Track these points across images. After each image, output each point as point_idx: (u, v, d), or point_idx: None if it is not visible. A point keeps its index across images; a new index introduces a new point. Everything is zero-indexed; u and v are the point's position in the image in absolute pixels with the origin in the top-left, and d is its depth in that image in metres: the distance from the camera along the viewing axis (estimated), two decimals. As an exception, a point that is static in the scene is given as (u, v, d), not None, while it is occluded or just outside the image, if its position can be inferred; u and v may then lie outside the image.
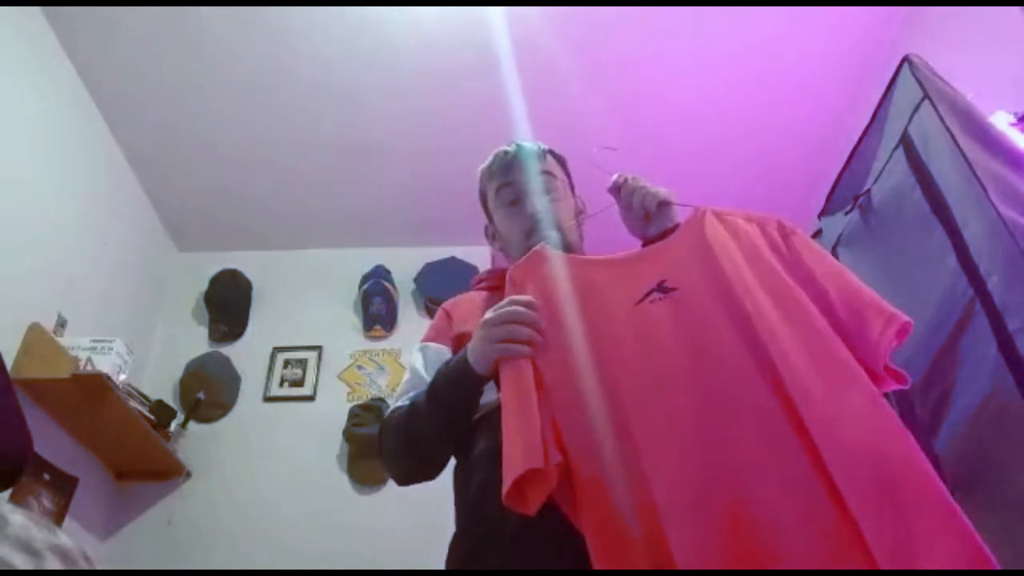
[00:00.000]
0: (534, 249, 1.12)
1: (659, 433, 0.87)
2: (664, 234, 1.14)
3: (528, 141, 1.32)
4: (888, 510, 0.77)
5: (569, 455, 0.87)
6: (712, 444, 0.86)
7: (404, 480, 1.18)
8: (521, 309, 0.98)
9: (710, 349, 0.93)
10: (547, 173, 1.29)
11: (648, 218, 1.19)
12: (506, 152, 1.31)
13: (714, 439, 0.86)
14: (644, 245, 1.19)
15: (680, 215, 1.18)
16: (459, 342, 1.15)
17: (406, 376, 1.23)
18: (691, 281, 1.01)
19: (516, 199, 1.27)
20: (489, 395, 1.05)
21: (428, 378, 1.13)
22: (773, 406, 0.86)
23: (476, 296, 1.28)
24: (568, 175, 1.37)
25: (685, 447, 0.86)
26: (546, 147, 1.34)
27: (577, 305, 1.01)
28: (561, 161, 1.36)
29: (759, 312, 0.93)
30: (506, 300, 1.01)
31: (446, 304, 1.29)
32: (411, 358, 1.24)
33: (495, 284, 1.25)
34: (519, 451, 0.85)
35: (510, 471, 0.84)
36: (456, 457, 1.15)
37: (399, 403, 1.17)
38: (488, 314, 1.01)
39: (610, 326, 0.98)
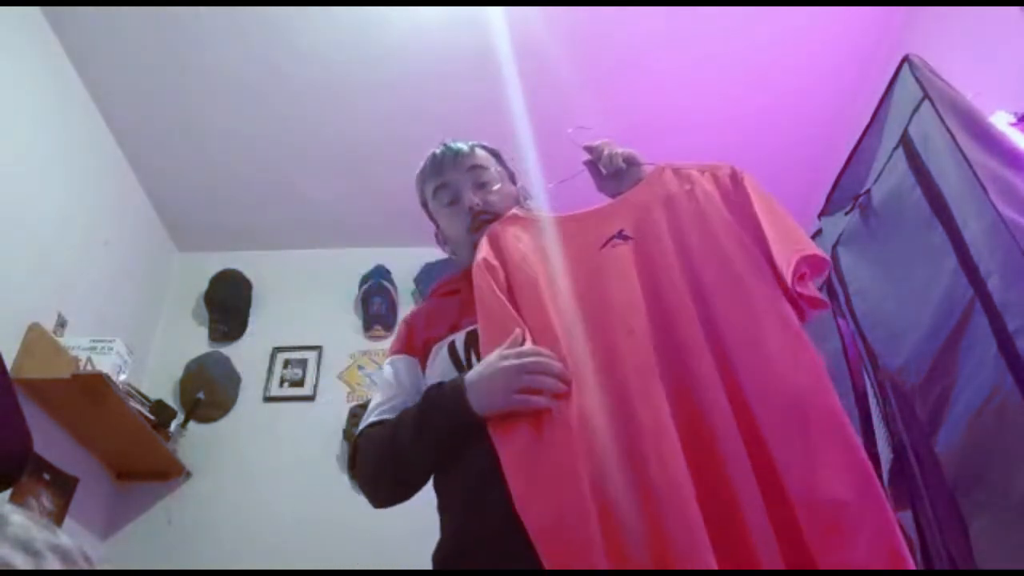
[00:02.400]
0: (511, 211, 1.22)
1: (606, 364, 0.98)
2: (629, 188, 1.23)
3: (459, 141, 1.33)
4: (797, 443, 0.89)
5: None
6: (661, 379, 0.96)
7: (382, 503, 1.13)
8: (549, 361, 0.95)
9: (658, 291, 1.05)
10: (479, 167, 1.30)
11: (618, 178, 1.26)
12: (434, 154, 1.32)
13: (663, 374, 0.96)
14: None
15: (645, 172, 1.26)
16: (427, 347, 1.18)
17: (377, 391, 1.20)
18: (646, 229, 1.13)
19: (454, 198, 1.28)
20: None
21: (401, 390, 1.15)
22: (705, 350, 0.98)
23: (436, 303, 1.29)
24: (504, 165, 1.37)
25: (638, 378, 0.96)
26: (475, 142, 1.35)
27: (547, 253, 1.13)
28: (494, 153, 1.37)
29: (702, 258, 1.06)
30: (530, 349, 0.97)
31: (405, 317, 1.31)
32: (381, 373, 1.23)
33: (453, 288, 1.27)
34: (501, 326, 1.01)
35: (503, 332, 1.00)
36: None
37: (374, 419, 1.14)
38: (508, 355, 0.97)
39: (575, 268, 1.10)
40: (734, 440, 0.90)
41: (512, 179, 1.37)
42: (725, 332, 0.99)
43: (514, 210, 1.23)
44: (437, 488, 1.11)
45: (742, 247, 1.06)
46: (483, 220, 1.24)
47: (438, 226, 1.35)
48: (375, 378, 2.74)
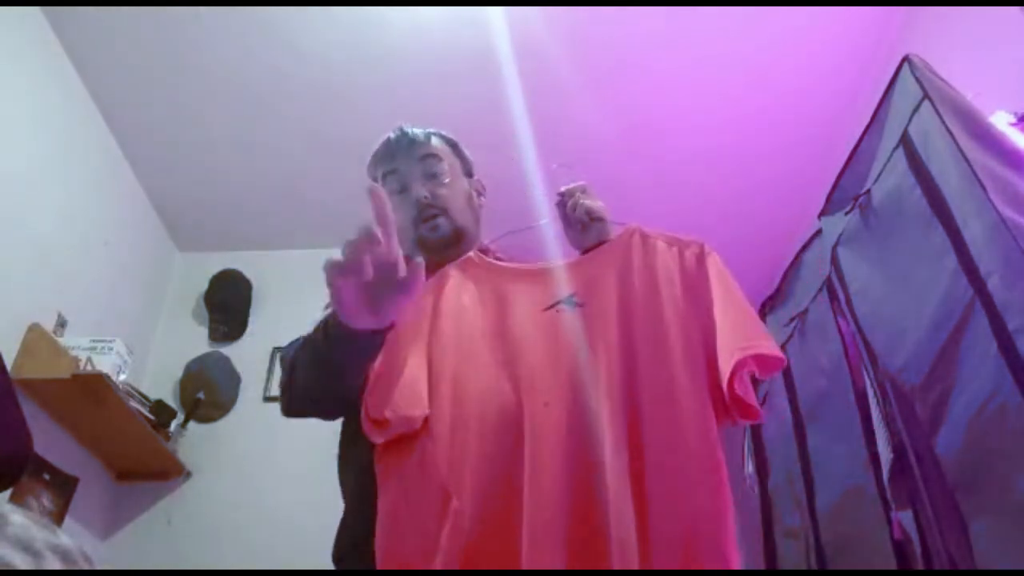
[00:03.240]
0: (444, 270, 1.10)
1: (510, 432, 0.92)
2: (593, 248, 1.15)
3: (415, 127, 1.29)
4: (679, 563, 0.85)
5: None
6: (565, 459, 0.90)
7: (309, 395, 1.08)
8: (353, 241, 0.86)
9: (591, 369, 0.97)
10: (432, 156, 1.26)
11: (584, 231, 1.18)
12: (389, 139, 1.28)
13: (568, 455, 0.90)
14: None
15: (614, 231, 1.17)
16: None
17: None
18: (595, 301, 1.05)
19: (402, 186, 1.24)
20: None
21: None
22: (622, 448, 0.91)
23: None
24: (461, 158, 1.33)
25: (541, 453, 0.89)
26: (433, 130, 1.31)
27: (487, 308, 1.05)
28: (451, 143, 1.33)
29: (643, 345, 0.99)
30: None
31: None
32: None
33: None
34: (410, 392, 0.92)
35: (393, 402, 0.91)
36: (341, 447, 1.17)
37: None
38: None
39: (511, 329, 1.02)
40: (622, 554, 0.83)
41: (468, 172, 1.34)
42: (645, 434, 0.93)
43: (471, 255, 1.14)
44: (339, 478, 1.12)
45: (687, 343, 0.98)
46: (430, 214, 1.21)
47: None
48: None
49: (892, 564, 1.50)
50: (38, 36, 2.33)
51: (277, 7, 2.31)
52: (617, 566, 0.82)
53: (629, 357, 0.98)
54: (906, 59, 1.52)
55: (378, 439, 0.93)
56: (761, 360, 0.96)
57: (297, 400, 1.11)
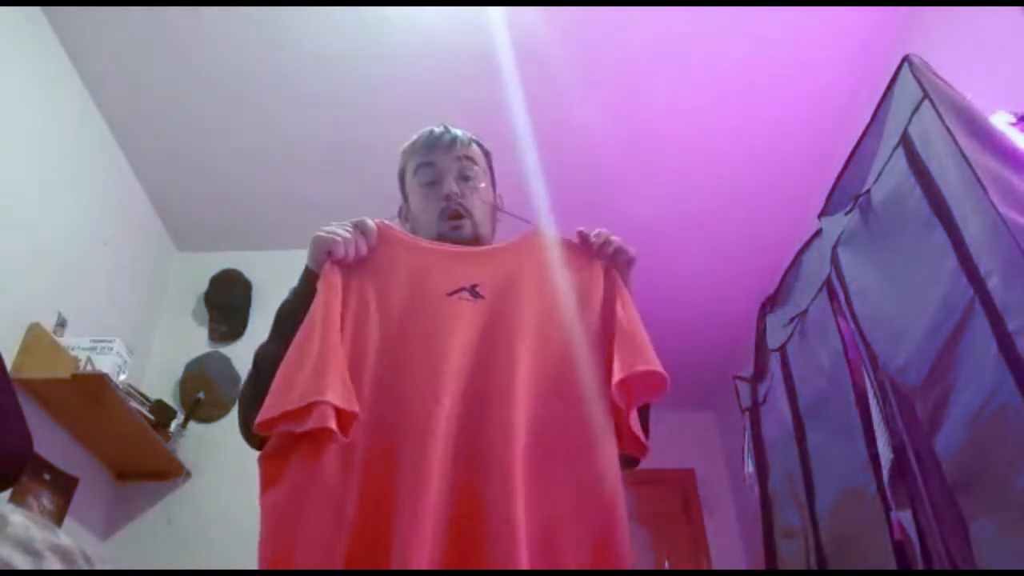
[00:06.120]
0: (379, 222, 1.15)
1: (399, 423, 0.92)
2: (496, 246, 1.20)
3: (457, 128, 1.31)
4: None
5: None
6: (454, 457, 0.90)
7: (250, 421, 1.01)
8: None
9: (488, 367, 0.98)
10: (469, 159, 1.28)
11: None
12: (431, 132, 1.30)
13: (457, 452, 0.90)
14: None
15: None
16: None
17: None
18: (502, 295, 1.06)
19: (434, 180, 1.26)
20: None
21: None
22: (515, 456, 0.90)
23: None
24: (491, 170, 1.35)
25: (430, 447, 0.89)
26: (474, 136, 1.33)
27: (393, 283, 1.07)
28: (486, 153, 1.35)
29: (551, 353, 1.00)
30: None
31: None
32: None
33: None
34: (332, 381, 0.89)
35: (314, 393, 0.87)
36: None
37: None
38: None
39: (414, 310, 1.03)
40: (504, 554, 0.83)
41: (495, 186, 1.36)
42: (538, 436, 0.93)
43: (388, 221, 1.17)
44: None
45: (589, 350, 1.01)
46: (456, 213, 1.22)
47: (406, 200, 1.33)
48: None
49: (892, 564, 1.50)
50: (38, 36, 2.33)
51: (277, 7, 2.31)
52: (494, 547, 0.83)
53: (535, 369, 0.98)
54: (906, 59, 1.52)
55: (283, 429, 0.89)
56: (644, 378, 0.99)
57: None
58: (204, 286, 3.05)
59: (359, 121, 2.70)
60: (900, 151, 1.51)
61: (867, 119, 1.68)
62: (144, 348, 2.83)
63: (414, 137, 1.31)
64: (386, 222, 1.17)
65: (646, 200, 2.81)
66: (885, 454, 1.56)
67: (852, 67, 2.50)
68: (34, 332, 2.14)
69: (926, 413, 1.37)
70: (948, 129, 1.33)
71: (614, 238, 1.16)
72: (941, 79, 1.45)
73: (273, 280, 3.12)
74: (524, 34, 2.34)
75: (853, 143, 1.75)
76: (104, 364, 2.19)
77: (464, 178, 1.26)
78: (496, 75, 2.38)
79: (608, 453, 0.94)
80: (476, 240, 1.23)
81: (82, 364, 2.17)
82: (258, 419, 0.88)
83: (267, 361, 1.00)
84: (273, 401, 0.88)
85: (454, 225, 1.22)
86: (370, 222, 1.12)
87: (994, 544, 1.19)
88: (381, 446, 0.91)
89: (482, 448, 0.91)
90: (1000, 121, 1.44)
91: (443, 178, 1.25)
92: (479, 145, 1.33)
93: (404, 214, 1.34)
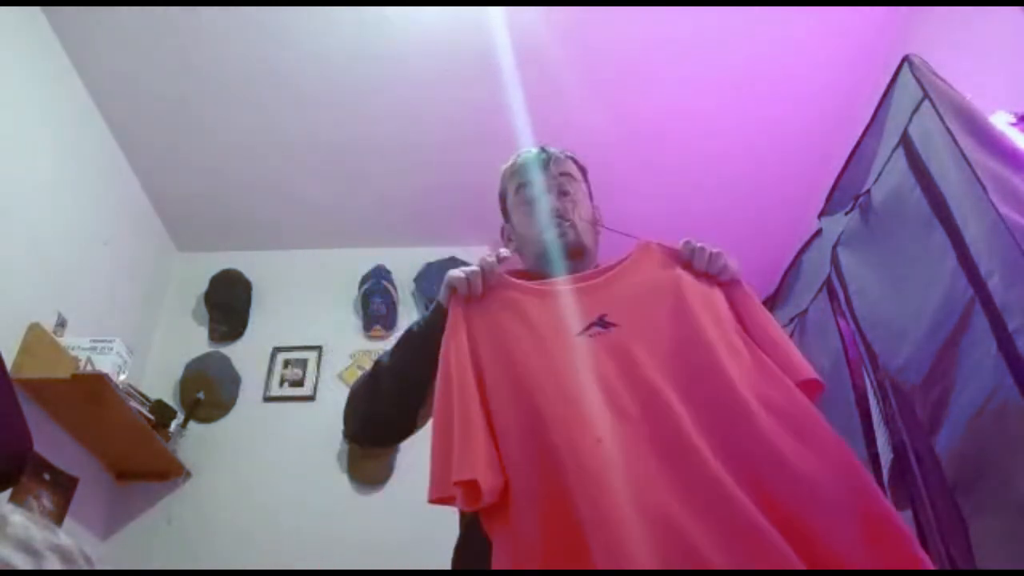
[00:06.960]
0: (497, 274, 1.14)
1: (590, 460, 0.87)
2: (607, 268, 1.18)
3: (553, 147, 1.35)
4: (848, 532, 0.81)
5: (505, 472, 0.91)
6: (636, 481, 0.85)
7: (363, 427, 1.23)
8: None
9: (641, 391, 0.94)
10: (568, 175, 1.31)
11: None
12: (529, 153, 1.34)
13: (639, 477, 0.86)
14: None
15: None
16: None
17: None
18: (631, 318, 1.05)
19: (535, 198, 1.29)
20: None
21: None
22: (701, 451, 0.87)
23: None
24: (588, 184, 1.38)
25: (610, 480, 0.85)
26: (570, 153, 1.36)
27: (518, 334, 1.04)
28: (583, 169, 1.38)
29: (692, 362, 0.98)
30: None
31: None
32: None
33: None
34: (477, 457, 0.89)
35: (463, 471, 0.88)
36: None
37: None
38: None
39: (542, 354, 1.00)
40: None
41: (592, 199, 1.38)
42: (727, 446, 0.89)
43: (501, 271, 1.16)
44: None
45: (737, 362, 1.00)
46: (565, 227, 1.24)
47: (508, 221, 1.36)
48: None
49: (892, 564, 1.50)
50: (38, 36, 2.33)
51: (277, 7, 2.31)
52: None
53: (679, 374, 0.96)
54: (906, 59, 1.52)
55: (467, 507, 0.90)
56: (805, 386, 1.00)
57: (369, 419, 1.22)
58: (204, 286, 3.05)
59: (359, 121, 2.70)
60: (900, 151, 1.51)
61: (867, 119, 1.68)
62: (144, 348, 2.83)
63: (511, 159, 1.36)
64: (502, 252, 1.21)
65: (646, 200, 2.80)
66: (885, 454, 1.56)
67: (852, 67, 2.50)
68: (34, 332, 2.13)
69: (926, 413, 1.37)
70: (948, 129, 1.33)
71: (714, 252, 1.17)
72: (941, 79, 1.45)
73: (273, 280, 3.12)
74: (524, 34, 2.34)
75: (853, 143, 1.75)
76: (104, 364, 2.19)
77: (564, 193, 1.29)
78: (496, 75, 2.38)
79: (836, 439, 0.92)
80: (581, 249, 1.25)
81: (82, 364, 2.17)
82: (428, 498, 0.92)
83: (384, 371, 1.17)
84: (435, 479, 0.93)
85: (561, 232, 1.24)
86: (488, 262, 1.15)
87: (994, 544, 1.20)
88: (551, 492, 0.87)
89: (694, 468, 0.86)
90: (1000, 121, 1.44)
91: (544, 195, 1.28)
92: (575, 162, 1.36)
93: (508, 235, 1.37)
